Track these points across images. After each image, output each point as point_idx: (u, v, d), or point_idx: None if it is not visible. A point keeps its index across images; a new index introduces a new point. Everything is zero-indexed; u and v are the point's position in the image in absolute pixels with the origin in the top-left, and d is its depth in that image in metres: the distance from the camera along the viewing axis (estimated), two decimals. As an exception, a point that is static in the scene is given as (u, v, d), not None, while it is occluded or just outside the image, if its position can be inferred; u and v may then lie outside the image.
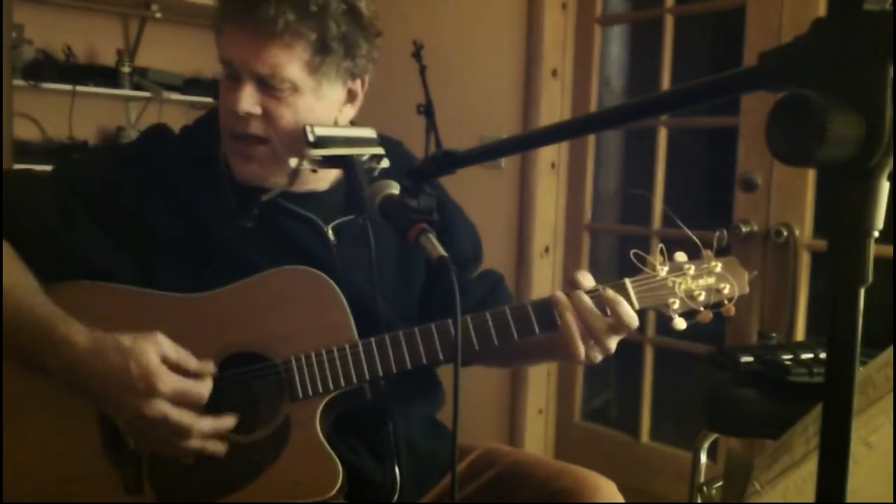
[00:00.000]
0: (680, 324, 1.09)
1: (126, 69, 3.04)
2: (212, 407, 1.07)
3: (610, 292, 1.06)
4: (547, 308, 1.08)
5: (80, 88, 2.92)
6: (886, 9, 0.48)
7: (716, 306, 1.10)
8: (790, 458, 0.96)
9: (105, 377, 1.01)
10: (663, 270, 1.10)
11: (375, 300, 1.18)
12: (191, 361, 1.05)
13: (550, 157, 2.87)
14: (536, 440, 2.96)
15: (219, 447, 1.06)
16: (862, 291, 0.50)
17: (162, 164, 1.20)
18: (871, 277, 0.50)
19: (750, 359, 1.70)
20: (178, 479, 1.08)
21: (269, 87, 1.11)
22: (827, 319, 0.51)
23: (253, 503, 1.07)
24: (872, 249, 0.50)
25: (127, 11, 3.17)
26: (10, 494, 1.09)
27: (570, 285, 1.09)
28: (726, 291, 1.10)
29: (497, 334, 1.08)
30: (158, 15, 3.08)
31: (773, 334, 1.91)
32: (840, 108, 0.47)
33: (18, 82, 2.74)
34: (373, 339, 1.09)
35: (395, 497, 1.19)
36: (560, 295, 1.07)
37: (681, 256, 1.12)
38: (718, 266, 1.11)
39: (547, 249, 2.90)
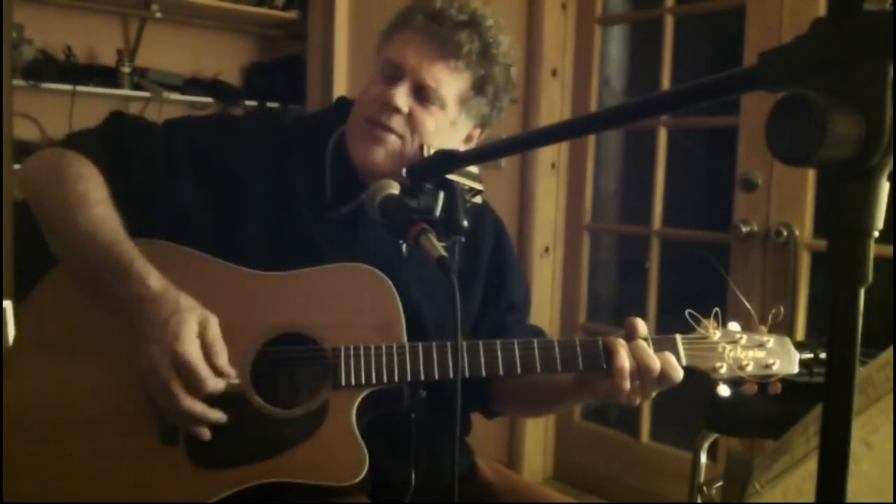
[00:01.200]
0: (724, 391, 1.12)
1: (126, 69, 3.05)
2: (256, 378, 1.11)
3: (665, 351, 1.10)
4: (594, 347, 1.11)
5: (80, 88, 2.93)
6: (886, 9, 0.48)
7: (762, 379, 1.13)
8: (790, 458, 0.96)
9: (151, 322, 1.04)
10: (716, 335, 1.13)
11: (427, 321, 1.22)
12: (221, 356, 1.07)
13: (550, 157, 2.87)
14: (536, 440, 2.96)
15: (204, 434, 1.08)
16: (862, 291, 0.50)
17: (271, 140, 1.26)
18: (871, 277, 0.50)
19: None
20: (210, 440, 1.10)
21: (423, 96, 1.20)
22: (827, 319, 0.51)
23: (277, 476, 1.10)
24: (872, 249, 0.50)
25: (127, 11, 3.17)
26: (59, 422, 1.12)
27: (626, 327, 1.12)
28: (775, 368, 1.13)
29: (541, 364, 1.12)
30: (158, 15, 3.09)
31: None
32: (840, 108, 0.47)
33: (18, 82, 2.74)
34: (420, 344, 1.13)
35: (407, 499, 1.22)
36: (614, 338, 1.11)
37: (734, 326, 1.16)
38: (771, 341, 1.14)
39: (547, 249, 2.90)
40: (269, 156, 1.24)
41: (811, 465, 0.91)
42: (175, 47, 3.32)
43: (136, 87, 3.09)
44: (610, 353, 1.09)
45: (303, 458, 1.10)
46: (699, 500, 1.82)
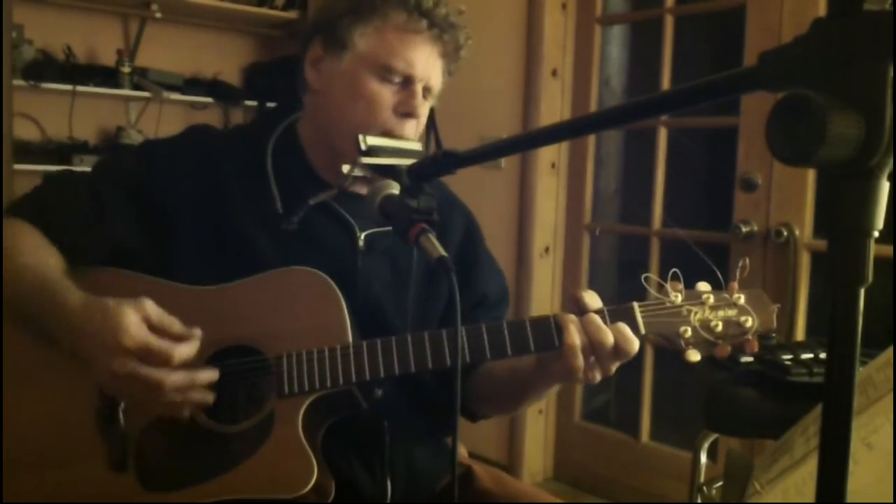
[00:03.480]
0: (693, 355, 1.04)
1: (126, 69, 3.05)
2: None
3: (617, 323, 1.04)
4: (545, 324, 1.06)
5: (80, 88, 2.93)
6: (886, 9, 0.48)
7: (735, 339, 1.04)
8: (790, 458, 0.96)
9: (89, 336, 1.03)
10: (678, 297, 1.05)
11: (391, 314, 1.19)
12: (175, 326, 1.05)
13: (550, 157, 2.87)
14: (536, 440, 2.96)
15: (206, 397, 1.07)
16: (862, 291, 0.50)
17: (202, 156, 1.23)
18: (871, 277, 0.50)
19: (750, 359, 1.70)
20: (159, 462, 1.10)
21: (424, 95, 1.22)
22: (827, 319, 0.51)
23: (226, 494, 1.07)
24: (872, 249, 0.50)
25: (127, 11, 3.17)
26: (7, 458, 1.12)
27: (575, 303, 1.07)
28: (748, 325, 1.04)
29: (491, 349, 1.06)
30: (158, 15, 3.09)
31: (774, 334, 1.90)
32: (840, 108, 0.47)
33: (18, 82, 2.74)
34: (364, 343, 1.08)
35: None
36: (563, 313, 1.05)
37: (703, 286, 1.07)
38: (742, 298, 1.05)
39: (547, 249, 2.90)
40: (202, 175, 1.21)
41: (811, 465, 0.91)
42: (175, 47, 3.31)
43: (136, 87, 3.09)
44: (560, 330, 1.03)
45: (252, 473, 1.07)
46: (699, 500, 1.82)
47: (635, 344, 1.03)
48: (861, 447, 0.85)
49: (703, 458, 1.82)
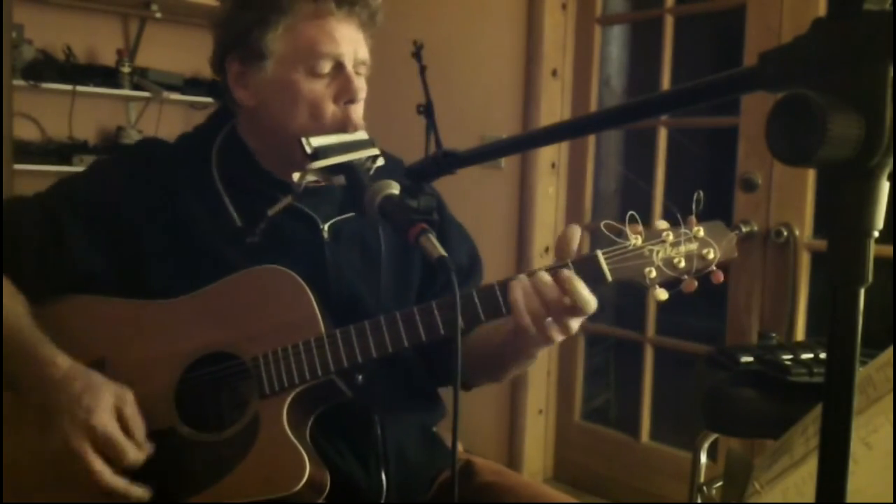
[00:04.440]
0: (661, 294, 1.03)
1: (126, 69, 3.04)
2: (183, 406, 1.11)
3: (565, 272, 1.02)
4: (490, 291, 1.05)
5: (80, 88, 2.92)
6: (886, 9, 0.48)
7: (700, 273, 1.04)
8: (790, 458, 0.96)
9: (64, 399, 1.05)
10: (638, 239, 1.04)
11: (368, 299, 1.19)
12: (139, 431, 1.07)
13: (550, 157, 2.87)
14: (536, 440, 2.96)
15: None
16: (862, 291, 0.50)
17: (154, 171, 1.21)
18: (871, 277, 0.50)
19: (750, 359, 1.70)
20: (150, 480, 1.09)
21: (358, 70, 1.19)
22: (827, 319, 0.51)
23: (223, 501, 1.08)
24: (872, 249, 0.50)
25: (127, 11, 3.17)
26: (6, 494, 1.12)
27: (557, 248, 1.07)
28: (710, 256, 1.04)
29: (442, 324, 1.06)
30: (158, 15, 3.08)
31: (773, 334, 1.90)
32: (840, 108, 0.47)
33: (18, 82, 2.74)
34: (338, 331, 1.08)
35: (382, 502, 1.19)
36: (514, 279, 1.05)
37: (661, 224, 1.06)
38: (701, 231, 1.05)
39: (547, 249, 2.90)
40: (158, 191, 1.19)
41: (811, 465, 0.91)
42: (175, 47, 3.31)
43: (136, 87, 3.09)
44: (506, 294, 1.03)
45: (245, 476, 1.08)
46: (699, 500, 1.82)
47: (591, 299, 1.01)
48: (861, 447, 0.85)
49: (703, 458, 1.82)
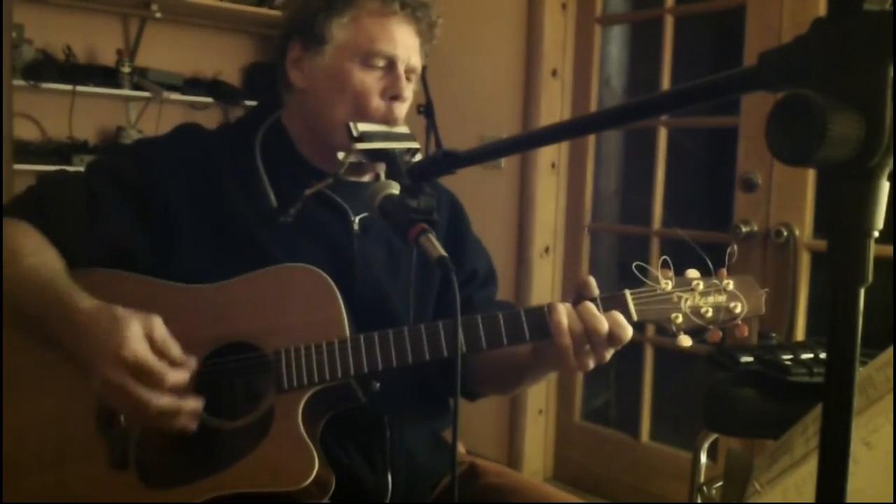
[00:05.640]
0: (685, 341, 1.06)
1: (126, 69, 3.04)
2: (198, 391, 1.10)
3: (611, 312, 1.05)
4: (539, 314, 1.07)
5: (80, 88, 2.92)
6: (886, 9, 0.48)
7: (725, 324, 1.07)
8: (790, 458, 0.96)
9: (92, 339, 1.03)
10: (668, 284, 1.07)
11: (392, 295, 1.21)
12: (174, 350, 1.06)
13: (550, 157, 2.87)
14: (536, 440, 2.96)
15: (191, 423, 1.07)
16: (862, 291, 0.50)
17: (193, 154, 1.24)
18: (871, 277, 0.50)
19: (750, 359, 1.70)
20: (160, 460, 1.10)
21: (408, 77, 1.25)
22: (827, 319, 0.51)
23: (228, 489, 1.08)
24: (872, 249, 0.50)
25: (127, 11, 3.17)
26: (8, 459, 1.13)
27: (577, 288, 1.09)
28: (738, 311, 1.07)
29: (486, 339, 1.08)
30: (158, 15, 3.08)
31: (773, 334, 1.90)
32: (840, 108, 0.47)
33: (18, 82, 2.74)
34: (361, 336, 1.09)
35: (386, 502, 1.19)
36: (558, 303, 1.07)
37: (692, 273, 1.10)
38: (731, 284, 1.09)
39: (547, 249, 2.90)
40: (197, 173, 1.22)
41: (811, 465, 0.91)
42: (175, 47, 3.31)
43: (136, 87, 3.09)
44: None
45: (253, 467, 1.08)
46: (699, 500, 1.82)
47: (628, 331, 1.05)
48: (861, 447, 0.85)
49: (703, 458, 1.82)
